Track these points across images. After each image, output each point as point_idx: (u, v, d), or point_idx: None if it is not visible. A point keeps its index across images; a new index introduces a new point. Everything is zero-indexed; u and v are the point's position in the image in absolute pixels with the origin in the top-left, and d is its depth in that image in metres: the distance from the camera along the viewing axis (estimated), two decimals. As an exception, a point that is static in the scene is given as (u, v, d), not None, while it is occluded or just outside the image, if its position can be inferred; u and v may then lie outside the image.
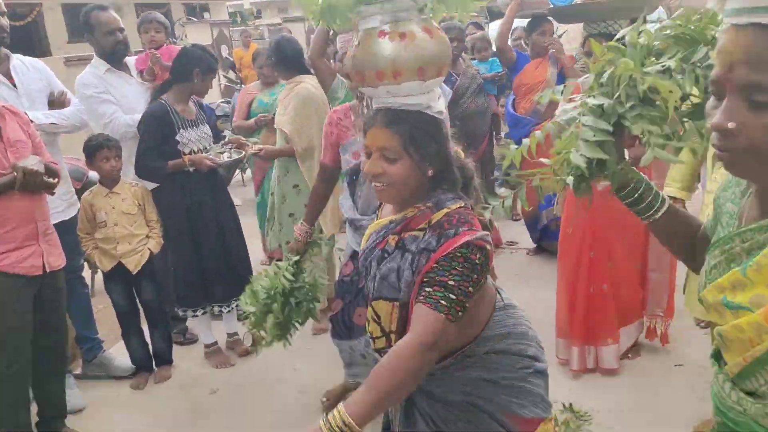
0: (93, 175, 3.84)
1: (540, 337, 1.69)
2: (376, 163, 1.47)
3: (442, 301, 1.35)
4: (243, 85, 5.48)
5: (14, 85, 2.96)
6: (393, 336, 1.53)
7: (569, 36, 5.40)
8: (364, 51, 1.46)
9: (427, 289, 1.37)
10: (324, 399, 2.91)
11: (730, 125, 0.81)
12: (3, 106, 2.53)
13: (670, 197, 2.40)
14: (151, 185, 3.19)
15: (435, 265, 1.38)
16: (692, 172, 2.42)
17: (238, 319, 3.46)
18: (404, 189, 1.48)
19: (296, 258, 2.50)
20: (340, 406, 1.28)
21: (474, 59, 5.28)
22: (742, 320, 0.86)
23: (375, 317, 1.55)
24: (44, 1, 13.05)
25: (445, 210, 1.45)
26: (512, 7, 4.19)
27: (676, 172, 2.44)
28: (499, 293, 1.64)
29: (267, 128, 4.06)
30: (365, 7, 1.47)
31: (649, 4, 3.17)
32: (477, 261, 1.38)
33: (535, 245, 4.55)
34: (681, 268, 2.64)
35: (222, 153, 3.27)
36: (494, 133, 4.97)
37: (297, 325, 2.49)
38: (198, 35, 3.80)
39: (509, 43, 4.59)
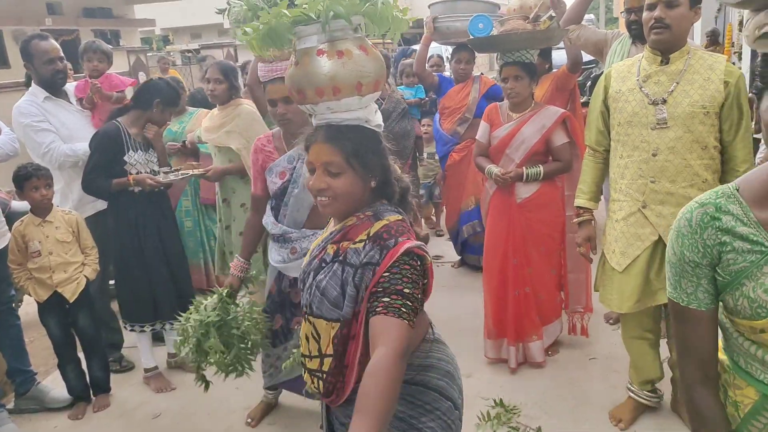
0: (16, 205, 3.76)
1: (461, 373, 1.68)
2: (321, 178, 1.49)
3: (403, 309, 1.35)
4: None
5: (-62, 116, 2.91)
6: (327, 360, 1.51)
7: (478, 60, 5.80)
8: (304, 70, 1.50)
9: (384, 299, 1.36)
10: (249, 420, 2.97)
11: None
12: None
13: (580, 207, 2.71)
14: (89, 212, 3.18)
15: (385, 275, 1.39)
16: (598, 183, 2.71)
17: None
18: (348, 202, 1.51)
19: (226, 290, 2.53)
20: None
21: (401, 85, 5.54)
22: None
23: (314, 335, 1.54)
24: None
25: (384, 222, 1.48)
26: (426, 36, 4.49)
27: (584, 185, 2.72)
28: (431, 326, 1.62)
29: (176, 156, 4.09)
30: (302, 27, 1.50)
31: (556, 35, 3.50)
32: (419, 267, 1.42)
33: (459, 258, 4.82)
34: (593, 268, 2.93)
35: (168, 174, 3.29)
36: (417, 154, 5.18)
37: (248, 356, 2.50)
38: (115, 62, 3.79)
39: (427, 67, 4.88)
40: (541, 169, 3.15)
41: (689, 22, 2.35)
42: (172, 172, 3.31)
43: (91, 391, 3.29)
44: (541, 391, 3.07)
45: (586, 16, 9.77)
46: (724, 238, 1.20)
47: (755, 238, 1.17)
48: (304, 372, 1.62)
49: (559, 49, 4.32)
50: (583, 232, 2.74)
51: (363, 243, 1.48)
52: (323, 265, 1.54)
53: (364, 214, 1.53)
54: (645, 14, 2.37)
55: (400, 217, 1.52)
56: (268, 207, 2.62)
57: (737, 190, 1.22)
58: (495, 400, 2.94)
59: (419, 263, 1.43)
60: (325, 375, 1.54)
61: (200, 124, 3.83)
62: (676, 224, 1.27)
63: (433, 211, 5.77)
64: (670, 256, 1.29)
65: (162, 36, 26.30)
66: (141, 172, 3.17)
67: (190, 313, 2.48)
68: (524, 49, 3.16)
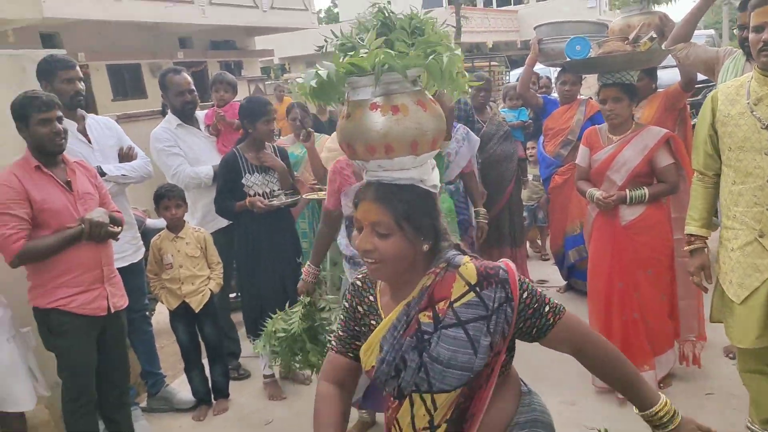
0: (150, 222, 4.16)
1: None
2: (368, 239, 1.40)
3: (557, 306, 1.46)
4: (279, 137, 5.82)
5: (89, 142, 3.28)
6: (440, 429, 1.45)
7: (587, 82, 5.68)
8: (355, 124, 1.39)
9: (545, 310, 1.43)
10: None
11: None
12: (75, 161, 2.84)
13: (691, 235, 2.60)
14: (216, 227, 3.48)
15: (523, 299, 1.40)
16: (709, 209, 2.60)
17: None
18: (398, 265, 1.41)
19: (308, 299, 2.66)
20: (656, 409, 1.48)
21: (505, 107, 5.56)
22: None
23: (429, 411, 1.45)
24: (91, 63, 13.83)
25: (468, 264, 1.42)
26: (530, 58, 4.49)
27: (694, 211, 2.62)
28: (521, 379, 1.61)
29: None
30: (355, 78, 1.39)
31: (657, 56, 3.41)
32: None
33: (565, 283, 4.72)
34: (706, 297, 2.79)
35: (277, 197, 3.49)
36: (521, 177, 5.14)
37: None
38: (226, 92, 4.18)
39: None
40: (645, 191, 3.06)
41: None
42: (286, 194, 3.49)
43: (212, 395, 3.57)
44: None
45: (705, 32, 9.28)
46: None
47: None
48: None
49: (665, 68, 4.17)
50: (695, 261, 2.62)
51: (471, 293, 1.39)
52: (426, 337, 1.41)
53: (438, 267, 1.43)
54: (752, 36, 2.28)
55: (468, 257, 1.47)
56: (343, 226, 2.72)
57: None
58: (599, 430, 2.85)
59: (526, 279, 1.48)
60: None
61: (323, 149, 4.04)
62: None
63: (538, 234, 5.69)
64: None
65: (279, 65, 27.81)
66: (259, 193, 3.41)
67: (275, 323, 2.60)
68: (624, 71, 3.11)
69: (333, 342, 1.61)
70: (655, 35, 3.44)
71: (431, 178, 1.45)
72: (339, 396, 1.58)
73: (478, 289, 1.39)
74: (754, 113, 2.32)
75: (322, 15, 39.17)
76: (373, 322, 1.51)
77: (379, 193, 1.40)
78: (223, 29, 16.72)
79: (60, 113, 2.70)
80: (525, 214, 5.37)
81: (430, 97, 1.45)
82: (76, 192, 2.72)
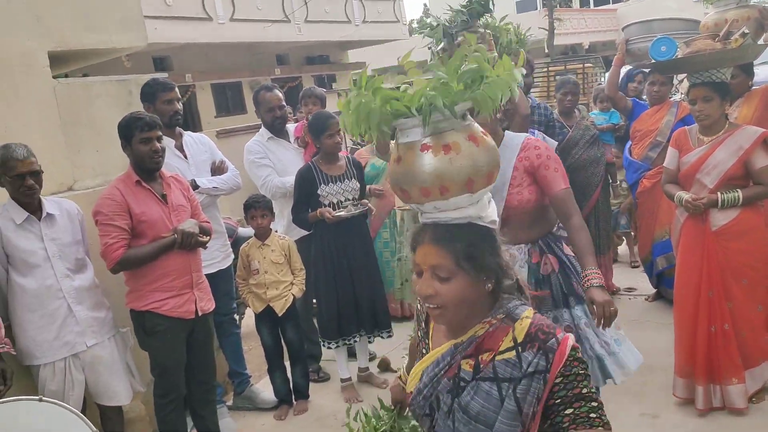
0: (242, 231, 4.41)
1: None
2: (428, 283, 1.34)
3: (591, 414, 1.26)
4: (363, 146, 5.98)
5: (186, 157, 3.54)
6: None
7: (684, 85, 5.39)
8: (406, 167, 1.32)
9: (567, 412, 1.26)
10: None
11: None
12: (171, 176, 3.07)
13: None
14: (300, 234, 3.68)
15: (557, 381, 1.28)
16: None
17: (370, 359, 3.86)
18: (462, 308, 1.34)
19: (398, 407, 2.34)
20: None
21: (596, 110, 5.39)
22: None
23: None
24: (197, 83, 14.81)
25: (526, 320, 1.34)
26: (617, 58, 4.35)
27: None
28: None
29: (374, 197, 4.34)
30: (403, 120, 1.32)
31: (750, 52, 3.20)
32: (584, 358, 1.32)
33: (654, 291, 4.51)
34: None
35: (345, 207, 3.58)
36: (611, 182, 4.95)
37: None
38: (329, 104, 4.32)
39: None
40: (739, 193, 2.88)
41: None
42: (354, 205, 3.58)
43: (293, 396, 3.72)
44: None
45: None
46: None
47: None
48: None
49: (765, 63, 3.90)
50: None
51: (513, 351, 1.32)
52: (462, 384, 1.36)
53: (495, 318, 1.36)
54: None
55: (534, 311, 1.38)
56: None
57: None
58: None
59: (580, 352, 1.31)
60: None
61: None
62: None
63: (620, 241, 5.47)
64: None
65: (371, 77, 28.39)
66: (333, 203, 3.54)
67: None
68: (714, 69, 2.95)
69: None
70: (747, 30, 3.24)
71: (489, 213, 1.38)
72: None
73: (520, 348, 1.31)
74: None
75: (414, 25, 39.52)
76: (424, 350, 1.50)
77: (437, 235, 1.34)
78: (317, 45, 17.33)
79: (160, 133, 2.94)
80: (613, 221, 5.18)
81: (481, 130, 1.37)
82: (170, 204, 2.94)
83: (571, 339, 1.31)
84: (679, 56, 3.19)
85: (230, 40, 14.22)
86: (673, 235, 3.31)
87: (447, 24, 3.51)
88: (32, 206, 2.76)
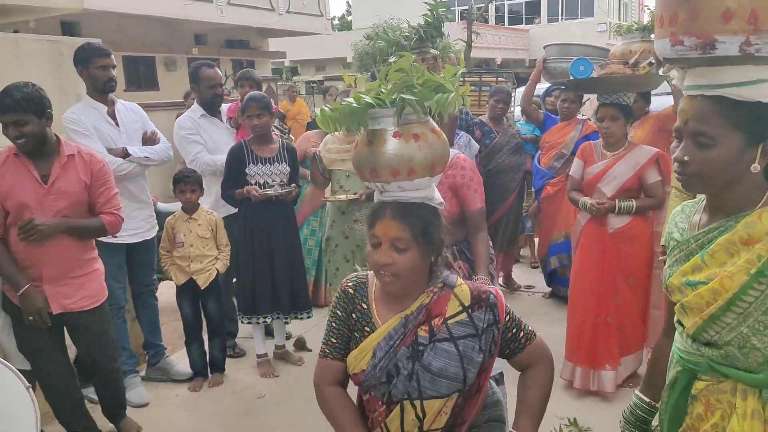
0: (161, 206, 4.38)
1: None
2: (387, 253, 1.53)
3: (531, 331, 1.66)
4: (291, 135, 6.06)
5: (117, 125, 3.50)
6: None
7: (592, 104, 5.91)
8: (379, 150, 1.54)
9: (520, 335, 1.62)
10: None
11: (686, 158, 1.27)
12: (80, 150, 2.80)
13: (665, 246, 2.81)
14: (227, 213, 3.72)
15: (505, 323, 1.60)
16: None
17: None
18: (411, 277, 1.56)
19: None
20: None
21: (522, 120, 5.73)
22: (702, 289, 1.28)
23: (418, 417, 1.58)
24: (107, 53, 14.10)
25: (461, 286, 1.61)
26: (534, 74, 4.74)
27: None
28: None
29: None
30: (377, 110, 1.54)
31: (650, 81, 3.64)
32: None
33: (550, 289, 4.95)
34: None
35: (272, 187, 3.65)
36: (526, 188, 5.28)
37: None
38: (251, 88, 4.40)
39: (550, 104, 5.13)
40: (633, 203, 3.29)
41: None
42: (281, 186, 3.65)
43: (209, 369, 3.78)
44: (616, 419, 3.15)
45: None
46: None
47: None
48: None
49: (658, 95, 4.42)
50: None
51: (464, 314, 1.57)
52: (420, 348, 1.56)
53: (436, 287, 1.60)
54: None
55: (460, 278, 1.66)
56: None
57: None
58: (569, 419, 3.07)
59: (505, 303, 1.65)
60: None
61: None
62: None
63: (525, 242, 5.93)
64: None
65: (291, 67, 28.15)
66: (260, 183, 3.62)
67: None
68: (622, 92, 3.34)
69: (326, 350, 1.68)
70: (653, 61, 3.68)
71: (436, 196, 1.64)
72: (347, 396, 1.70)
73: (470, 310, 1.57)
74: None
75: (336, 22, 39.56)
76: (367, 328, 1.63)
77: (398, 212, 1.54)
78: (238, 29, 17.01)
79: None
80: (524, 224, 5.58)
81: (435, 125, 1.63)
82: (51, 185, 2.69)
83: (497, 290, 1.65)
84: (594, 76, 3.58)
85: (147, 13, 13.68)
86: (573, 236, 3.70)
87: (402, 40, 3.67)
88: None
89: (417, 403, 1.58)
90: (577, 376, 3.41)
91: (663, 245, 2.77)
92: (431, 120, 1.61)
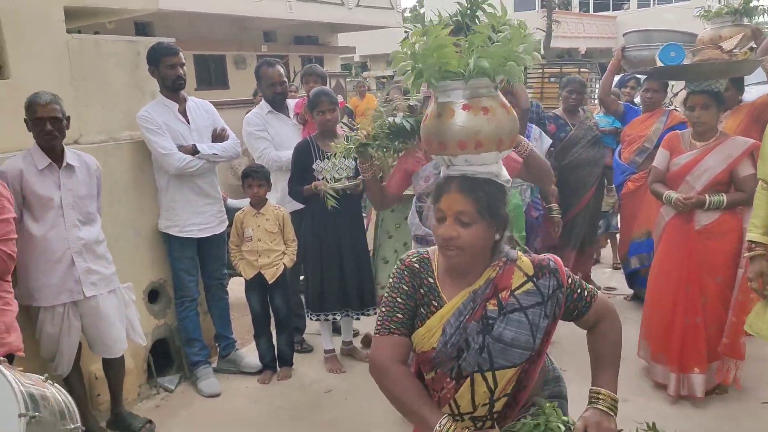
0: (231, 202, 4.66)
1: None
2: (452, 227, 1.61)
3: (590, 287, 1.78)
4: (360, 132, 6.26)
5: (188, 122, 3.77)
6: (500, 402, 1.71)
7: (680, 99, 5.78)
8: (446, 122, 1.63)
9: (585, 295, 1.74)
10: None
11: None
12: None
13: (753, 242, 2.78)
14: (294, 208, 3.94)
15: (570, 284, 1.72)
16: None
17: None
18: (475, 252, 1.64)
19: None
20: (603, 390, 1.69)
21: (601, 113, 5.68)
22: None
23: (489, 389, 1.69)
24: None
25: (523, 258, 1.72)
26: (612, 63, 4.70)
27: (757, 219, 2.78)
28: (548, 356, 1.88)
29: None
30: (447, 82, 1.63)
31: (747, 67, 3.57)
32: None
33: (632, 291, 4.89)
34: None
35: (339, 181, 3.79)
36: (606, 184, 5.18)
37: None
38: (316, 83, 4.61)
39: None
40: (724, 198, 3.24)
41: None
42: (348, 179, 3.80)
43: (277, 363, 4.00)
44: (700, 426, 3.13)
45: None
46: None
47: None
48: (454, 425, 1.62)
49: (750, 84, 4.29)
50: (755, 267, 2.76)
51: (530, 283, 1.68)
52: (490, 321, 1.66)
53: (501, 261, 1.70)
54: None
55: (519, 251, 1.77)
56: (414, 207, 3.03)
57: None
58: (648, 424, 3.07)
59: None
60: (495, 414, 1.74)
61: None
62: None
63: (609, 242, 5.85)
64: None
65: (360, 62, 28.60)
66: (327, 179, 3.77)
67: None
68: (714, 79, 3.30)
69: (392, 326, 1.70)
70: (754, 45, 3.61)
71: (503, 173, 1.70)
72: (415, 377, 1.74)
73: (535, 279, 1.69)
74: None
75: (408, 14, 39.79)
76: (434, 302, 1.70)
77: (464, 186, 1.62)
78: (307, 25, 17.52)
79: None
80: (601, 222, 5.52)
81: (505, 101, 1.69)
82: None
83: (556, 257, 1.76)
84: (687, 62, 3.53)
85: (217, 11, 14.34)
86: (656, 232, 3.67)
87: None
88: (54, 154, 2.99)
89: (488, 374, 1.68)
90: (671, 382, 3.39)
91: (750, 241, 2.77)
92: (501, 95, 1.68)
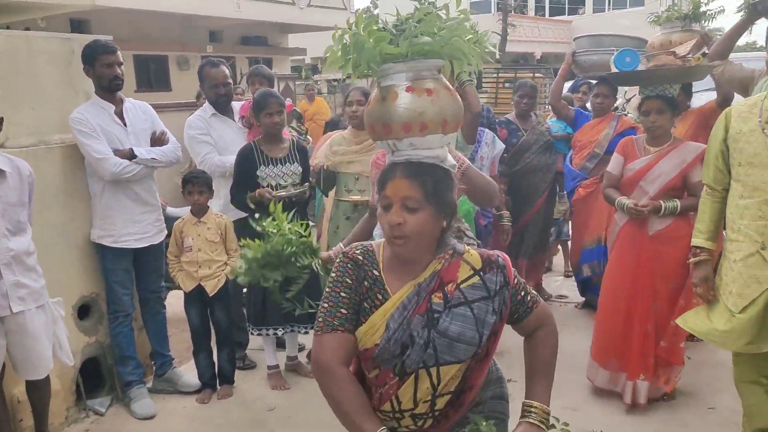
0: (170, 210, 4.58)
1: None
2: (399, 213, 1.61)
3: (534, 293, 1.82)
4: (308, 137, 6.25)
5: (125, 124, 3.67)
6: (442, 399, 1.71)
7: (633, 104, 5.97)
8: (390, 105, 1.66)
9: (527, 299, 1.77)
10: None
11: None
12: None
13: (697, 247, 2.89)
14: (237, 216, 3.88)
15: (515, 283, 1.75)
16: (717, 223, 2.88)
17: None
18: (422, 240, 1.65)
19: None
20: (535, 403, 1.73)
21: (553, 118, 5.80)
22: None
23: (432, 385, 1.69)
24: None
25: (471, 252, 1.74)
26: (562, 68, 4.83)
27: (702, 224, 2.90)
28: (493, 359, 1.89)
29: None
30: (389, 65, 1.67)
31: (701, 72, 3.71)
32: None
33: (583, 299, 5.00)
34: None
35: (285, 188, 3.79)
36: (557, 190, 5.29)
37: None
38: (262, 85, 4.56)
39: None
40: (677, 203, 3.35)
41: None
42: (294, 186, 3.80)
43: (218, 381, 3.93)
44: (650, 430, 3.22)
45: (760, 54, 9.49)
46: None
47: None
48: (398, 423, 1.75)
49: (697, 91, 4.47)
50: (700, 273, 2.88)
51: (476, 277, 1.70)
52: (436, 315, 1.66)
53: (446, 254, 1.71)
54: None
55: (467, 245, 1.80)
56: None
57: None
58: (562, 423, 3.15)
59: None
60: (437, 412, 1.74)
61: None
62: None
63: (560, 249, 5.98)
64: None
65: (311, 65, 28.54)
66: (272, 185, 3.75)
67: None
68: (668, 84, 3.41)
69: (335, 323, 1.67)
70: (707, 50, 3.75)
71: (449, 159, 1.74)
72: (358, 384, 1.70)
73: (482, 273, 1.70)
74: (765, 131, 2.62)
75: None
76: (379, 296, 1.69)
77: (409, 170, 1.64)
78: (256, 25, 17.39)
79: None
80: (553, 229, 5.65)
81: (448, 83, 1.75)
82: None
83: (502, 253, 1.78)
84: (641, 68, 3.65)
85: (160, 9, 14.10)
86: (610, 238, 3.77)
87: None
88: None
89: (433, 370, 1.68)
90: (627, 389, 3.46)
91: (694, 246, 2.87)
92: (443, 78, 1.73)
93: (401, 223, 1.61)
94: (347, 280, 1.71)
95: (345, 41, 1.69)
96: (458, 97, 1.75)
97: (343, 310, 1.69)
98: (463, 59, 1.70)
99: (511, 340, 2.02)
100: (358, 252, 1.76)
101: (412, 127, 1.65)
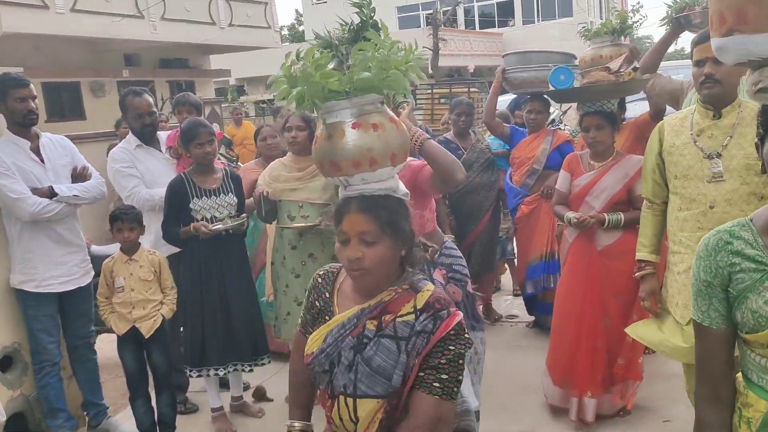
0: (95, 249, 4.49)
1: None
2: (356, 248, 1.70)
3: (435, 384, 1.67)
4: (239, 163, 6.24)
5: (42, 161, 3.63)
6: None
7: (569, 116, 6.25)
8: (339, 143, 1.74)
9: (420, 374, 1.68)
10: None
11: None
12: None
13: (642, 261, 3.06)
14: (170, 252, 3.84)
15: (436, 345, 1.67)
16: (658, 235, 3.06)
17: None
18: (381, 271, 1.73)
19: None
20: None
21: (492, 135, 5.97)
22: None
23: (352, 418, 1.73)
24: (24, 80, 14.11)
25: (428, 292, 1.75)
26: (494, 86, 5.03)
27: (644, 238, 3.08)
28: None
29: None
30: (333, 102, 1.74)
31: (635, 86, 3.95)
32: (467, 337, 1.73)
33: (533, 318, 5.17)
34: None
35: (222, 220, 3.79)
36: (501, 207, 5.42)
37: None
38: (189, 114, 4.53)
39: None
40: (621, 216, 3.53)
41: (738, 76, 2.74)
42: (231, 218, 3.81)
43: (158, 428, 3.86)
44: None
45: (688, 62, 10.10)
46: (734, 260, 1.56)
47: (760, 259, 1.54)
48: None
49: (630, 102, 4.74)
50: (646, 286, 3.06)
51: (413, 315, 1.71)
52: (365, 341, 1.73)
53: (402, 287, 1.77)
54: (694, 70, 2.79)
55: (434, 286, 1.80)
56: None
57: (751, 221, 1.60)
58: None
59: (466, 332, 1.73)
60: None
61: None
62: (697, 249, 1.67)
63: (507, 268, 6.16)
64: (692, 277, 1.68)
65: (237, 86, 28.40)
66: (206, 218, 3.76)
67: None
68: (606, 100, 3.61)
69: (301, 321, 1.98)
70: (637, 65, 3.98)
71: (401, 187, 1.84)
72: (307, 377, 1.92)
73: (419, 313, 1.72)
74: (697, 143, 2.82)
75: (285, 33, 40.10)
76: (327, 317, 1.85)
77: (363, 205, 1.72)
78: (175, 46, 17.19)
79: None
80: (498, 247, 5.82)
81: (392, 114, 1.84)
82: None
83: (460, 316, 1.72)
84: (576, 86, 3.84)
85: (69, 33, 13.79)
86: (561, 254, 3.94)
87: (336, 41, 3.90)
88: None
89: (350, 401, 1.74)
90: (573, 406, 3.59)
91: (639, 260, 3.05)
92: (388, 109, 1.83)
93: (360, 258, 1.70)
94: (309, 296, 1.96)
95: (293, 72, 1.75)
96: (404, 126, 1.85)
97: (308, 316, 1.96)
98: (401, 91, 1.78)
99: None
100: (321, 273, 1.96)
101: (362, 164, 1.73)
